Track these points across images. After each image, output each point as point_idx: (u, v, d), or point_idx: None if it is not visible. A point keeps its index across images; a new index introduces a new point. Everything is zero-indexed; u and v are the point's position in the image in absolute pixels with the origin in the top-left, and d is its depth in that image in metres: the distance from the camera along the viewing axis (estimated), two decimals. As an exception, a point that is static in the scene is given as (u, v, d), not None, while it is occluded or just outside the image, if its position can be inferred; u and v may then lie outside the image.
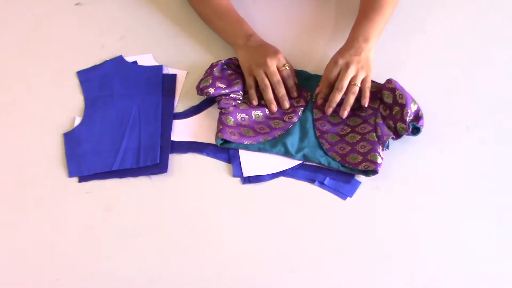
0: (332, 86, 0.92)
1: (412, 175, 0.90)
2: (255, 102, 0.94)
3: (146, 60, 1.02)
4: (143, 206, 0.87)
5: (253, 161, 0.91)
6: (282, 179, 0.90)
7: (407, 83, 0.93)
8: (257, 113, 0.94)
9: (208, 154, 0.92)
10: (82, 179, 0.89)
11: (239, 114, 0.93)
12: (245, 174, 0.89)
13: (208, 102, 0.97)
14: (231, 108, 0.93)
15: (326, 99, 0.93)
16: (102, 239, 0.85)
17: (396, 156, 0.91)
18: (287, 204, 0.88)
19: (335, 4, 1.10)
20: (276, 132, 0.92)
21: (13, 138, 0.94)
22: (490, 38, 1.06)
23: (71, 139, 0.93)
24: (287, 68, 0.93)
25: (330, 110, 0.92)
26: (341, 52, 0.92)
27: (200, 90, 0.93)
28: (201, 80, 0.94)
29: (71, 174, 0.89)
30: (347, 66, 0.89)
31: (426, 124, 0.92)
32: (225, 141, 0.91)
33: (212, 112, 0.96)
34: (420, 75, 1.01)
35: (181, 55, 1.03)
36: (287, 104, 0.93)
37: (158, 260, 0.83)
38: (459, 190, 0.89)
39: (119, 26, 1.07)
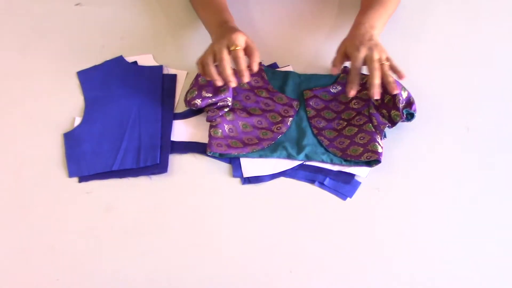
0: (359, 73, 0.89)
1: (412, 176, 0.90)
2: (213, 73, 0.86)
3: (146, 60, 1.02)
4: (143, 206, 0.87)
5: (253, 162, 0.91)
6: (282, 179, 0.90)
7: (407, 83, 0.93)
8: (244, 123, 0.93)
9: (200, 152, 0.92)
10: (82, 179, 0.89)
11: (227, 125, 0.92)
12: (245, 174, 0.89)
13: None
14: (218, 119, 0.92)
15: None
16: (102, 239, 0.84)
17: (396, 156, 0.92)
18: (287, 204, 0.88)
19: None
20: (265, 142, 0.91)
21: (13, 138, 0.94)
22: (491, 38, 1.06)
23: (71, 139, 0.93)
24: (238, 49, 0.85)
25: (378, 93, 0.86)
26: (356, 38, 0.90)
27: (187, 102, 0.92)
28: (187, 92, 0.94)
29: (71, 174, 0.89)
30: (370, 50, 0.88)
31: (426, 124, 0.92)
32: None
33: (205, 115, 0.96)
34: (420, 75, 1.01)
35: (181, 56, 1.03)
36: (233, 83, 0.85)
37: (158, 260, 0.83)
38: (459, 190, 0.89)
39: (119, 26, 1.07)
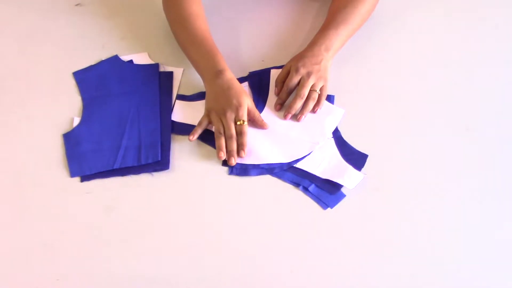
0: (290, 93, 0.95)
1: (412, 176, 0.90)
2: (192, 137, 0.90)
3: (141, 58, 1.03)
4: (144, 206, 0.87)
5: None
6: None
7: (408, 84, 0.93)
8: None
9: (202, 140, 0.93)
10: (84, 178, 0.89)
11: None
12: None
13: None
14: None
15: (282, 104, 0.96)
16: (103, 238, 0.84)
17: (396, 156, 0.92)
18: (289, 203, 0.88)
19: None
20: None
21: (12, 139, 0.93)
22: (491, 38, 1.06)
23: (71, 139, 0.93)
24: (244, 124, 0.90)
25: (289, 116, 0.94)
26: (302, 59, 0.94)
27: None
28: None
29: (72, 174, 0.89)
30: (308, 75, 0.93)
31: (426, 124, 0.92)
32: None
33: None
34: (420, 75, 1.01)
35: (177, 54, 1.03)
36: (233, 161, 0.89)
37: (158, 260, 0.83)
38: (460, 190, 0.89)
39: (119, 26, 1.07)
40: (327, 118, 0.95)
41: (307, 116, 0.94)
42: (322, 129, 0.94)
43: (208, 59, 0.95)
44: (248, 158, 0.91)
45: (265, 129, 0.93)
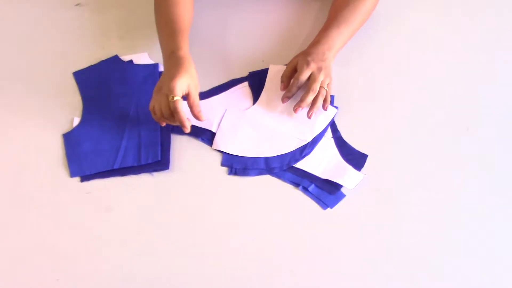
0: (300, 87, 0.94)
1: (412, 176, 0.90)
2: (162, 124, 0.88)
3: (141, 59, 1.02)
4: (144, 206, 0.87)
5: (228, 139, 0.92)
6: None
7: (408, 83, 0.93)
8: None
9: (203, 140, 0.93)
10: (84, 178, 0.89)
11: None
12: (213, 146, 0.91)
13: (215, 91, 0.97)
14: None
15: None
16: (103, 238, 0.84)
17: (396, 156, 0.92)
18: (289, 203, 0.88)
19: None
20: None
21: (13, 140, 0.94)
22: (491, 38, 1.06)
23: (71, 139, 0.93)
24: (175, 99, 0.82)
25: (299, 110, 0.93)
26: (311, 55, 0.94)
27: None
28: None
29: (73, 174, 0.89)
30: (319, 70, 0.92)
31: (426, 124, 0.92)
32: None
33: (216, 101, 0.96)
34: (420, 75, 1.01)
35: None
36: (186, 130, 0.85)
37: (158, 260, 0.83)
38: (460, 190, 0.89)
39: (119, 26, 1.07)
40: (319, 116, 0.95)
41: (299, 113, 0.94)
42: (312, 127, 0.94)
43: (168, 40, 0.92)
44: (234, 149, 0.91)
45: (201, 121, 0.87)
